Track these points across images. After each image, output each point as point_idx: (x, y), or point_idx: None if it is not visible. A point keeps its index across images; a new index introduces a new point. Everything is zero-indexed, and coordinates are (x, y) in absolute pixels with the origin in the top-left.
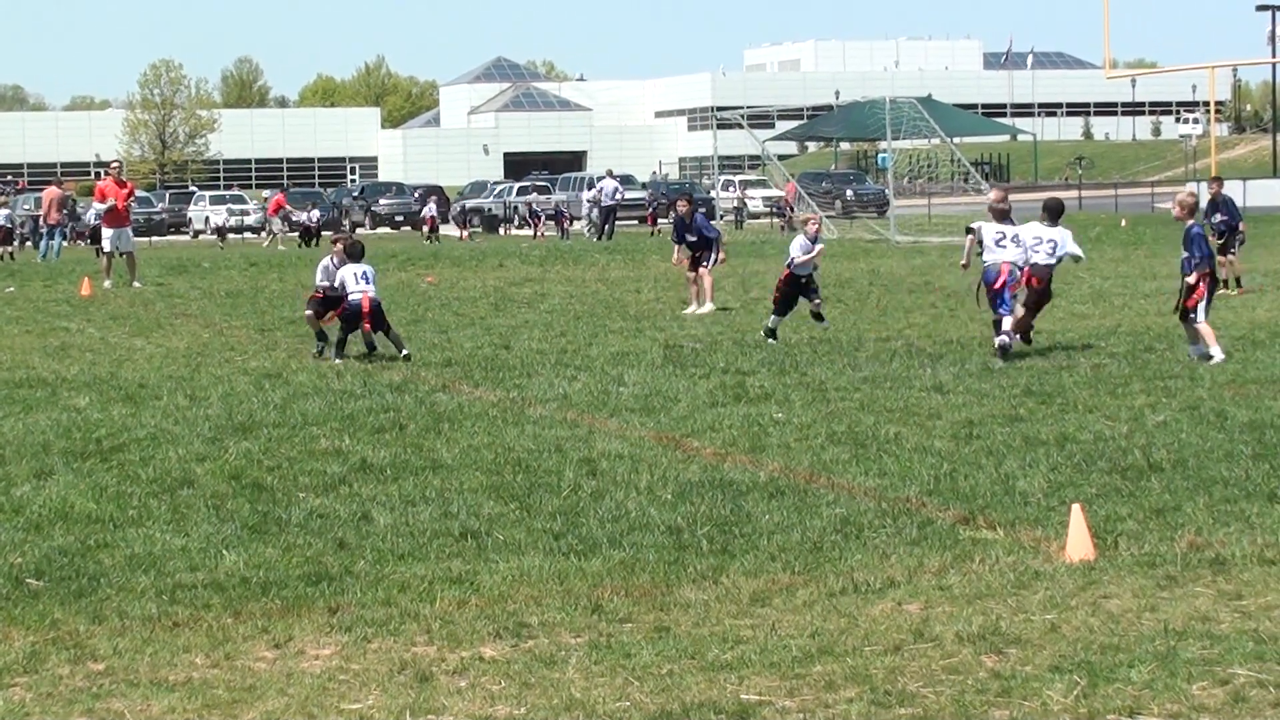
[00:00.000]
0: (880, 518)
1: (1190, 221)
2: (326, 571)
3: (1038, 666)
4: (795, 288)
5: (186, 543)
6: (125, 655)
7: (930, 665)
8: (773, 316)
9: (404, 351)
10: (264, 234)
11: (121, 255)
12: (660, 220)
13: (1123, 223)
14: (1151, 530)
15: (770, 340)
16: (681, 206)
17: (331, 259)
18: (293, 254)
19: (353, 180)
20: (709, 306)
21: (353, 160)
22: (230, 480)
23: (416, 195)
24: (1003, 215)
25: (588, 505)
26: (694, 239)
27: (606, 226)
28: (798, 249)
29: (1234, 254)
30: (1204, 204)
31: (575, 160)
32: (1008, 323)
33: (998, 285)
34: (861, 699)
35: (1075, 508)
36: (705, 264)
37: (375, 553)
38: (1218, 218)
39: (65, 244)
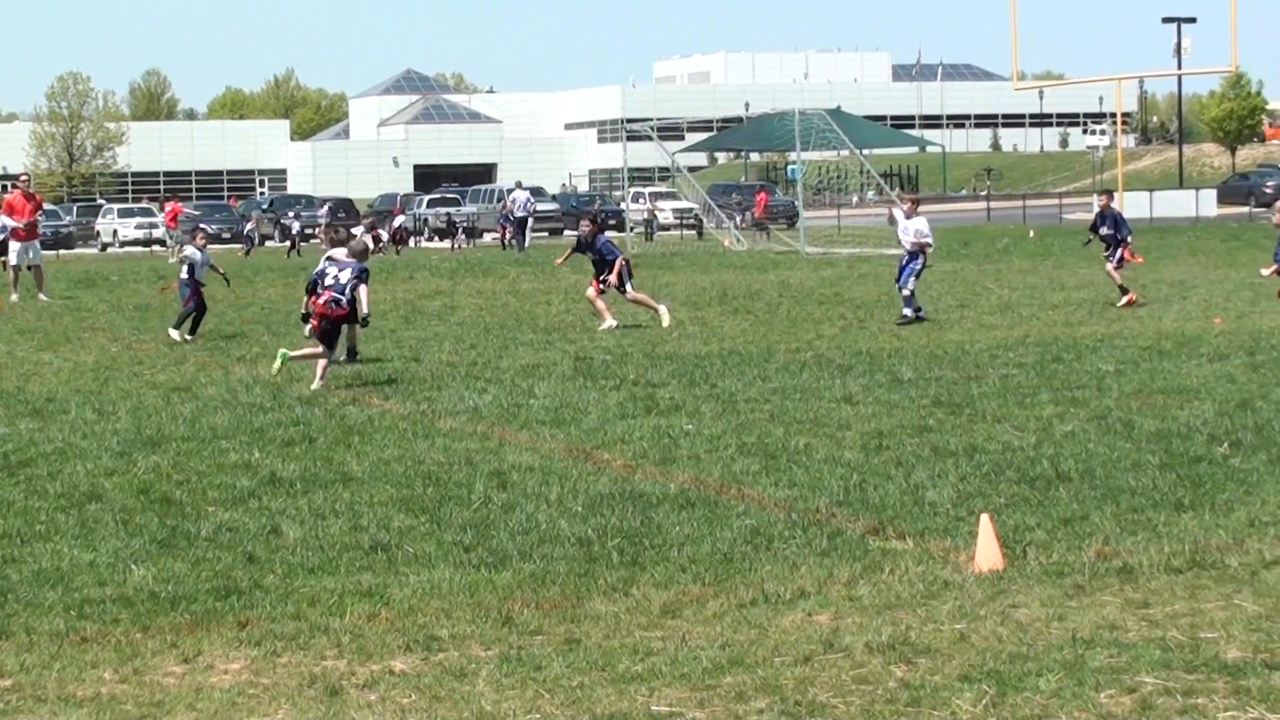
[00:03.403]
0: (790, 529)
1: None
2: (236, 586)
3: (947, 676)
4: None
5: (95, 557)
6: (33, 671)
7: (840, 676)
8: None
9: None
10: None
11: (29, 269)
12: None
13: (1030, 234)
14: (1059, 540)
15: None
16: (584, 227)
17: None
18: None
19: (262, 193)
20: (609, 323)
21: (262, 173)
22: (139, 494)
23: (325, 208)
24: None
25: (498, 518)
26: (595, 258)
27: (520, 237)
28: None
29: (1113, 264)
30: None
31: (486, 172)
32: None
33: None
34: (772, 710)
35: (984, 518)
36: (604, 281)
37: (285, 566)
38: (1104, 230)
39: None
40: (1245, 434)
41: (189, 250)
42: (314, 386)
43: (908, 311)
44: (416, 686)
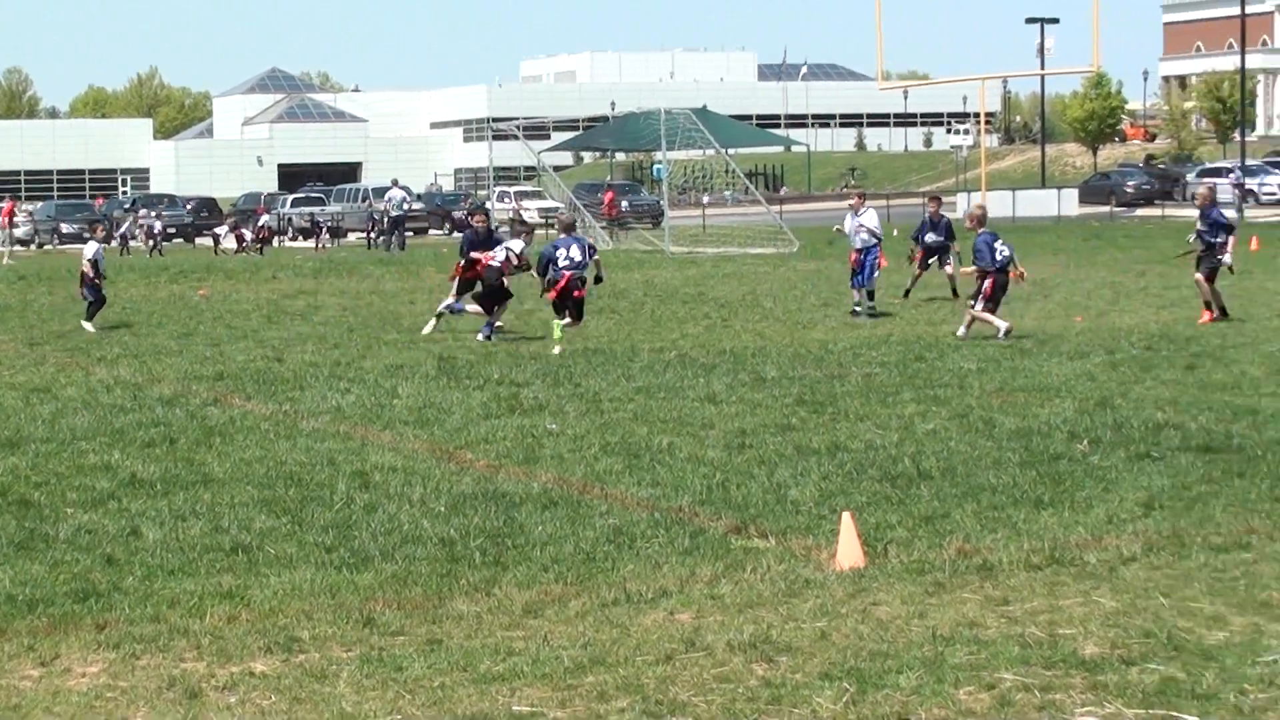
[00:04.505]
0: (653, 528)
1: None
2: (94, 588)
3: (808, 674)
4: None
5: None
6: None
7: (702, 674)
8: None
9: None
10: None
11: None
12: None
13: (894, 232)
14: (920, 537)
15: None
16: (478, 220)
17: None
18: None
19: (124, 192)
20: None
21: (124, 172)
22: None
23: (189, 206)
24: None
25: (360, 518)
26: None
27: (395, 237)
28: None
29: (949, 267)
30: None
31: (351, 172)
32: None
33: None
34: (633, 709)
35: (845, 516)
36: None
37: (144, 568)
38: (931, 237)
39: None
40: (1104, 432)
41: (92, 245)
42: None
43: (870, 305)
44: (277, 688)
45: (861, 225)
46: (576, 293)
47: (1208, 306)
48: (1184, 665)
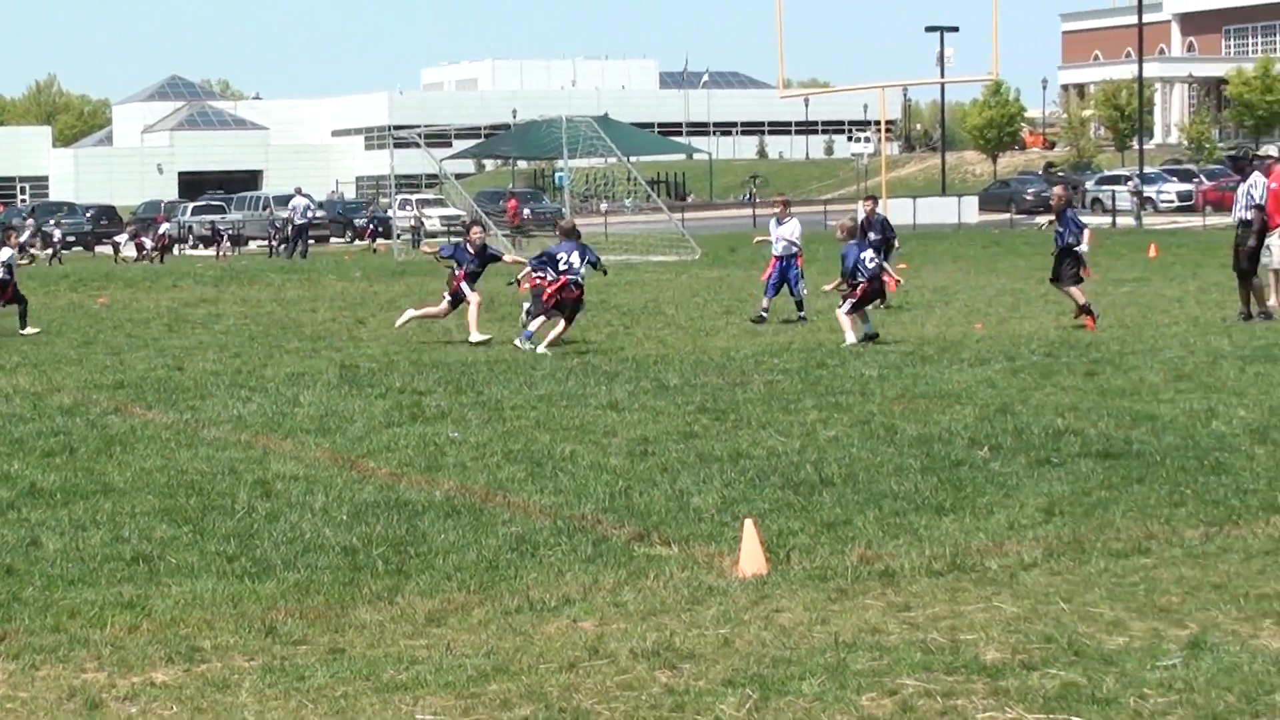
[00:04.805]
0: (556, 535)
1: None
2: None
3: (711, 681)
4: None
5: None
6: None
7: (605, 682)
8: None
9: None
10: None
11: None
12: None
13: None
14: (823, 544)
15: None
16: (475, 234)
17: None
18: None
19: (23, 200)
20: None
21: (23, 180)
22: None
23: (89, 214)
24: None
25: (262, 527)
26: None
27: (300, 245)
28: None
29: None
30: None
31: (251, 179)
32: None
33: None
34: (536, 717)
35: (748, 523)
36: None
37: (44, 578)
38: (871, 236)
39: None
40: (1005, 438)
41: (6, 251)
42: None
43: (801, 315)
44: (178, 698)
45: (782, 235)
46: (569, 295)
47: (1086, 312)
48: (1084, 670)
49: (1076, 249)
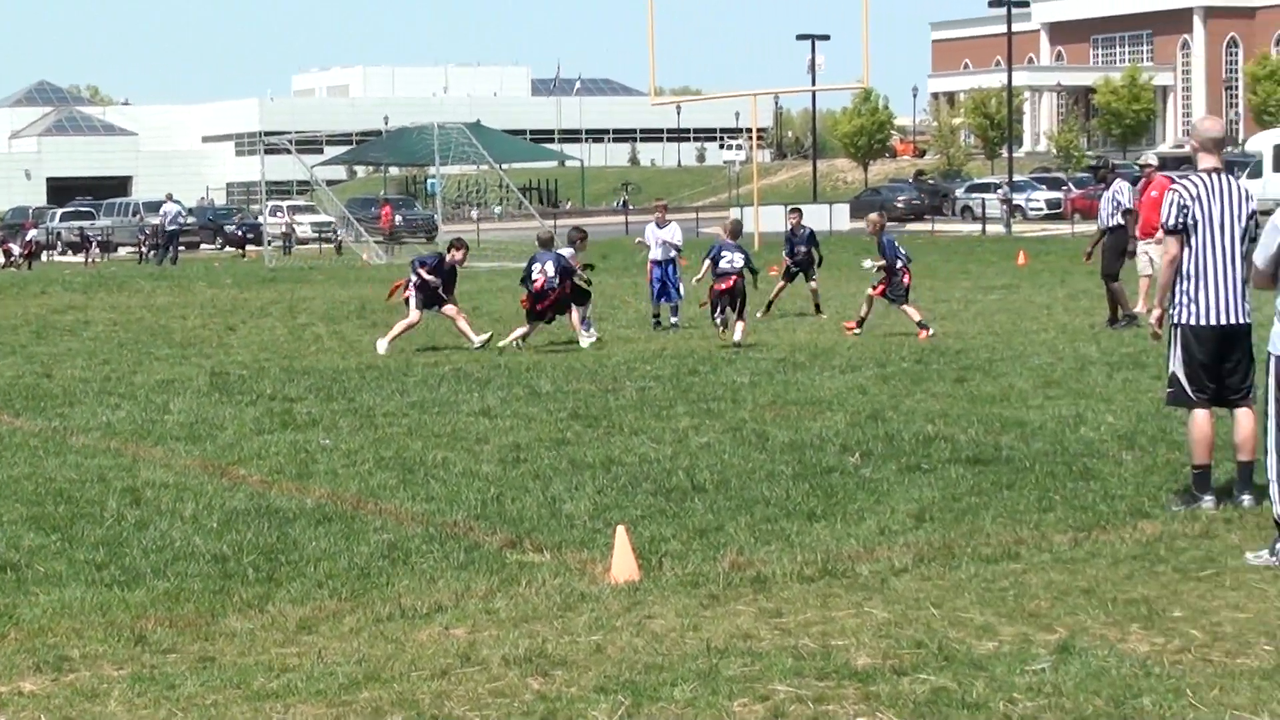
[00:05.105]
0: (427, 543)
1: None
2: None
3: (583, 688)
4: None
5: None
6: None
7: (477, 689)
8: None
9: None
10: None
11: None
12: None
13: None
14: (695, 550)
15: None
16: (455, 252)
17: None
18: None
19: None
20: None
21: None
22: None
23: None
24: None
25: (131, 535)
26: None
27: (170, 251)
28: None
29: (815, 281)
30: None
31: (121, 185)
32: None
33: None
34: None
35: (620, 529)
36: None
37: None
38: (800, 249)
39: None
40: (876, 444)
41: None
42: (502, 343)
43: (676, 320)
44: (46, 708)
45: (662, 238)
46: (542, 304)
47: (922, 326)
48: (955, 675)
49: (893, 271)
